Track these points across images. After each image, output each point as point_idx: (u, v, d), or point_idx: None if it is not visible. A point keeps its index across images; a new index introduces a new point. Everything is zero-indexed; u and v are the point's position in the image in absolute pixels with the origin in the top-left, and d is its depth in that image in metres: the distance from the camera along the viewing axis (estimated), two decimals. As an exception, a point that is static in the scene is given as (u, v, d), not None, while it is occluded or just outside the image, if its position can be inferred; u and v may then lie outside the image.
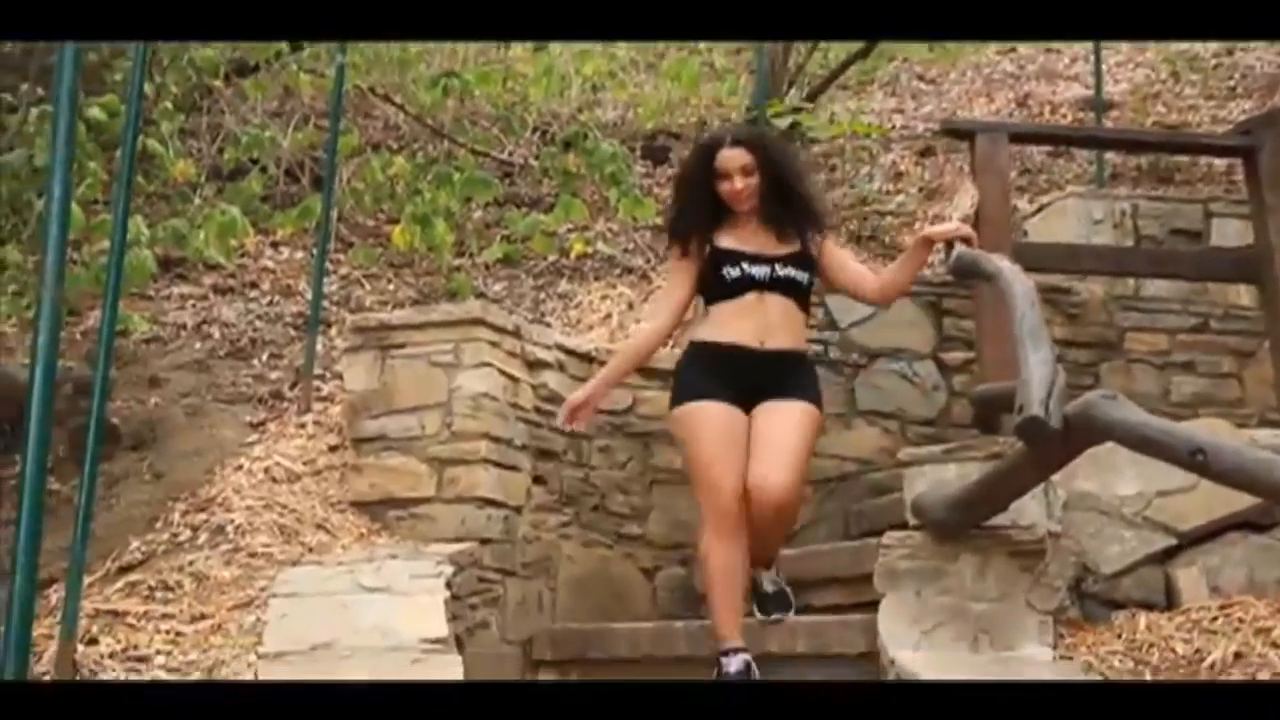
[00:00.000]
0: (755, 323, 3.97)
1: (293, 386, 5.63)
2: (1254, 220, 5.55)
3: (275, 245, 7.06)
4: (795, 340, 4.06)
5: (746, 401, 3.97)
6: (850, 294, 4.27)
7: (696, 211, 4.09)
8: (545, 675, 4.93)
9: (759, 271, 3.99)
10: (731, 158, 4.02)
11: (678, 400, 4.03)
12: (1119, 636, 4.19)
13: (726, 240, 4.07)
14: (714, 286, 4.05)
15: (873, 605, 4.29)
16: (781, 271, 4.01)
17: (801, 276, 4.05)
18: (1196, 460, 2.91)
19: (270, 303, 6.44)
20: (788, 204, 4.06)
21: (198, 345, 5.94)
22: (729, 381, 3.95)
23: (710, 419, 3.92)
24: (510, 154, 8.42)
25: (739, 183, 4.01)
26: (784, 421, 3.93)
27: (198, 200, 6.94)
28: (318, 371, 5.68)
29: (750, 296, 3.99)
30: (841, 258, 4.22)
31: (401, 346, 4.99)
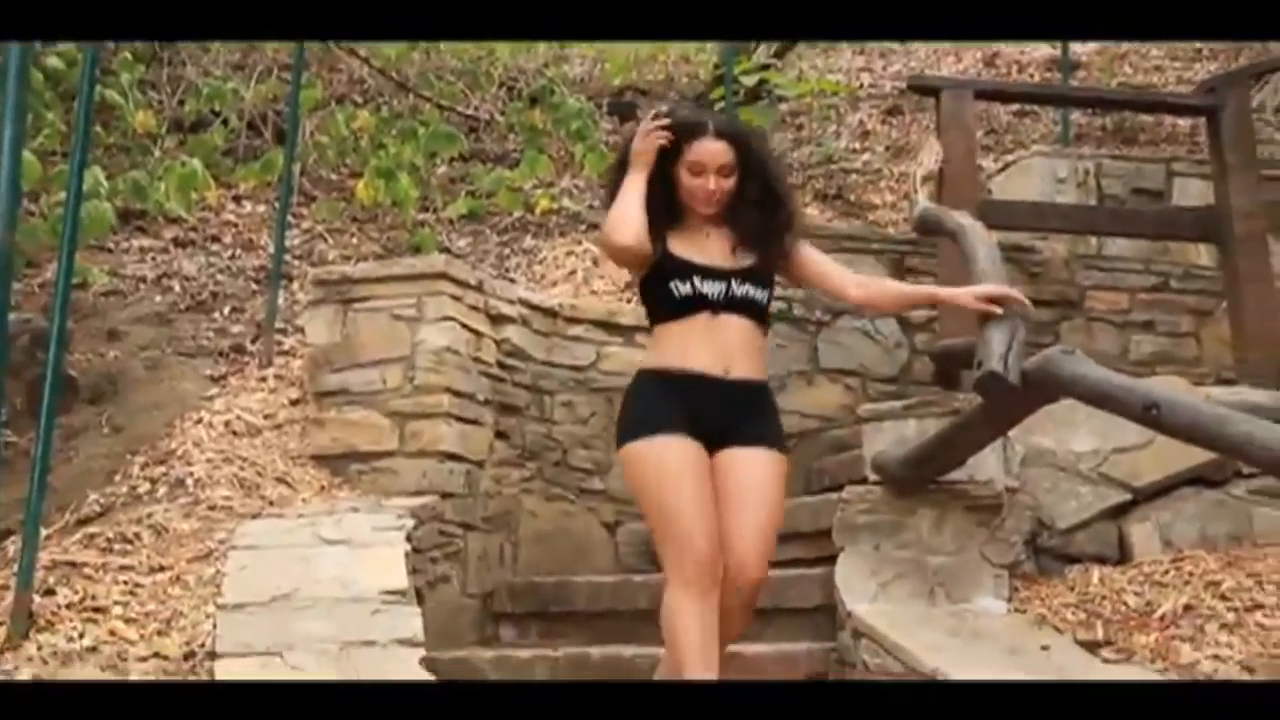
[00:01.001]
0: (714, 348, 3.28)
1: (254, 340, 5.61)
2: (1215, 180, 5.58)
3: (237, 199, 7.00)
4: (758, 368, 3.39)
5: (708, 438, 3.28)
6: (827, 291, 3.62)
7: (656, 200, 3.34)
8: (505, 628, 4.95)
9: (712, 289, 3.30)
10: (713, 152, 3.33)
11: (630, 435, 3.27)
12: (1072, 590, 4.24)
13: (677, 245, 3.36)
14: (659, 301, 3.36)
15: (834, 560, 4.33)
16: (739, 289, 3.33)
17: (760, 295, 3.38)
18: (1151, 415, 2.94)
19: (232, 256, 6.40)
20: (766, 215, 3.39)
21: (158, 298, 5.90)
22: (689, 414, 3.24)
23: (675, 458, 3.21)
24: (476, 109, 8.38)
25: (713, 183, 3.33)
26: (756, 487, 3.28)
27: (158, 152, 6.88)
28: (279, 325, 5.65)
29: (701, 317, 3.29)
30: (815, 255, 3.52)
31: (364, 300, 4.97)
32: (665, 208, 3.35)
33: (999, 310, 3.32)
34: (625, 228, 3.26)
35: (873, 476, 4.36)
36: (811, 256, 3.49)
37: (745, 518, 3.25)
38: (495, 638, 4.96)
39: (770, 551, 3.31)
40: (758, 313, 3.38)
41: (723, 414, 3.27)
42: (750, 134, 3.54)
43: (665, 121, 3.33)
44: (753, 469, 3.28)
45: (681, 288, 3.29)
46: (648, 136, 3.32)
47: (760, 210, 3.38)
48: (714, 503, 3.23)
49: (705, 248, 3.36)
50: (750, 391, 3.34)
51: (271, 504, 4.54)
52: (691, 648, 3.12)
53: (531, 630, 4.95)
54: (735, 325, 3.32)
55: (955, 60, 9.65)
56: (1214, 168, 5.59)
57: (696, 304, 3.29)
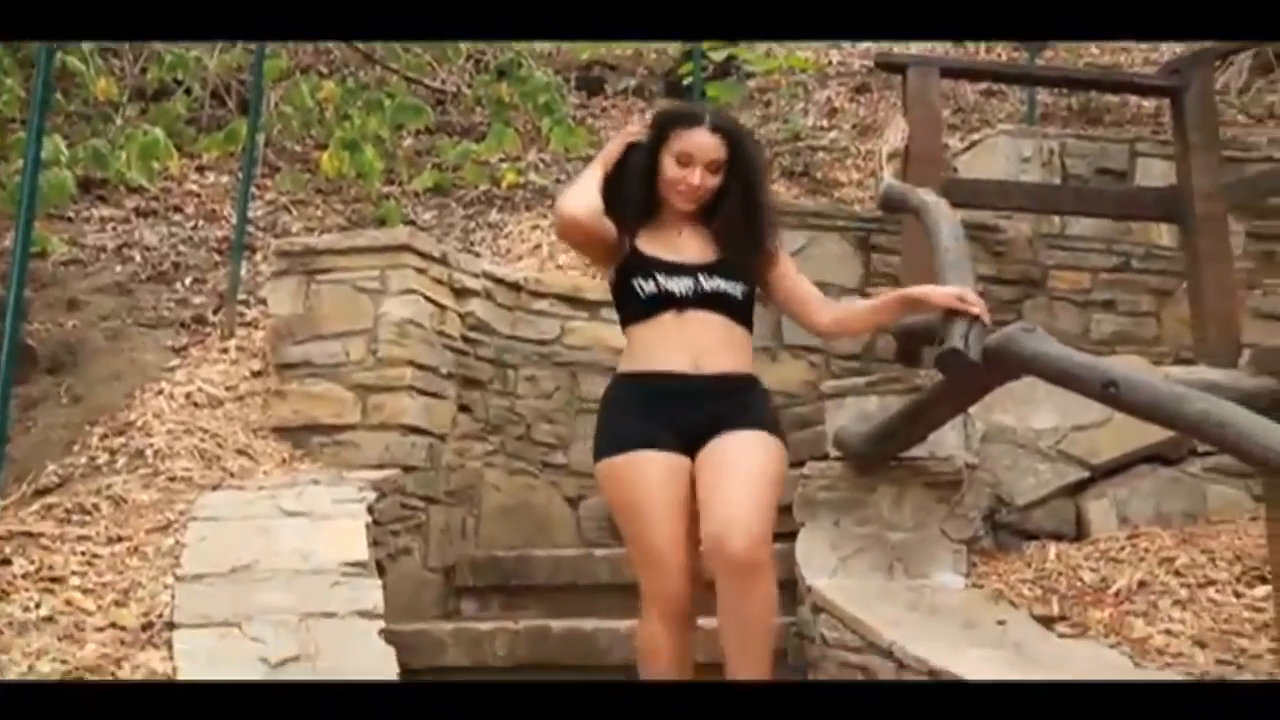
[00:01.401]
0: (682, 345, 3.09)
1: (216, 311, 5.57)
2: (1177, 160, 5.62)
3: (200, 169, 6.94)
4: (739, 362, 3.16)
5: (689, 444, 3.08)
6: (794, 316, 3.38)
7: (631, 187, 3.16)
8: (467, 602, 4.96)
9: (678, 285, 3.11)
10: (705, 146, 3.13)
11: (603, 451, 3.11)
12: (1029, 565, 4.28)
13: (645, 242, 3.18)
14: (626, 301, 3.19)
15: (795, 536, 4.35)
16: (708, 284, 3.13)
17: (733, 287, 3.16)
18: (1110, 393, 2.96)
19: (194, 227, 6.35)
20: (748, 218, 3.20)
21: (118, 268, 5.85)
22: (664, 421, 3.05)
23: (646, 474, 3.01)
24: (443, 82, 8.32)
25: (698, 177, 3.12)
26: (738, 459, 3.03)
27: (119, 120, 6.80)
28: (242, 297, 5.62)
29: (667, 316, 3.11)
30: (790, 273, 3.31)
31: (327, 272, 4.94)
32: (641, 201, 3.15)
33: (972, 309, 3.14)
34: (576, 198, 3.10)
35: (834, 453, 4.38)
36: (786, 274, 3.29)
37: (721, 491, 2.97)
38: (456, 611, 4.96)
39: (758, 525, 2.96)
40: (732, 307, 3.15)
41: (700, 411, 3.06)
42: (743, 132, 3.30)
43: (640, 134, 3.22)
44: (729, 449, 3.04)
45: (646, 286, 3.11)
46: (622, 136, 3.26)
47: (740, 212, 3.17)
48: (690, 526, 3.02)
49: (675, 245, 3.17)
50: (728, 385, 3.11)
51: (232, 476, 4.52)
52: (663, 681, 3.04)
53: (493, 604, 4.96)
54: (705, 321, 3.11)
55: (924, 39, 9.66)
56: (1177, 148, 5.63)
57: (662, 302, 3.10)
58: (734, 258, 3.17)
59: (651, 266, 3.12)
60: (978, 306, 3.12)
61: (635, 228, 3.16)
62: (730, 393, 3.10)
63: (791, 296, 3.29)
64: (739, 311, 3.17)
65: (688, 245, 3.18)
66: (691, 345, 3.09)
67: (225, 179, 6.83)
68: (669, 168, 3.13)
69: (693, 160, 3.11)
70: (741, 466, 3.01)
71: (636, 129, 3.24)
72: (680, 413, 3.05)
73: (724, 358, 3.12)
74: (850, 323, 3.35)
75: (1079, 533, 4.54)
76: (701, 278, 3.12)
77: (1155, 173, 6.32)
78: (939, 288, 3.23)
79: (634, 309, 3.15)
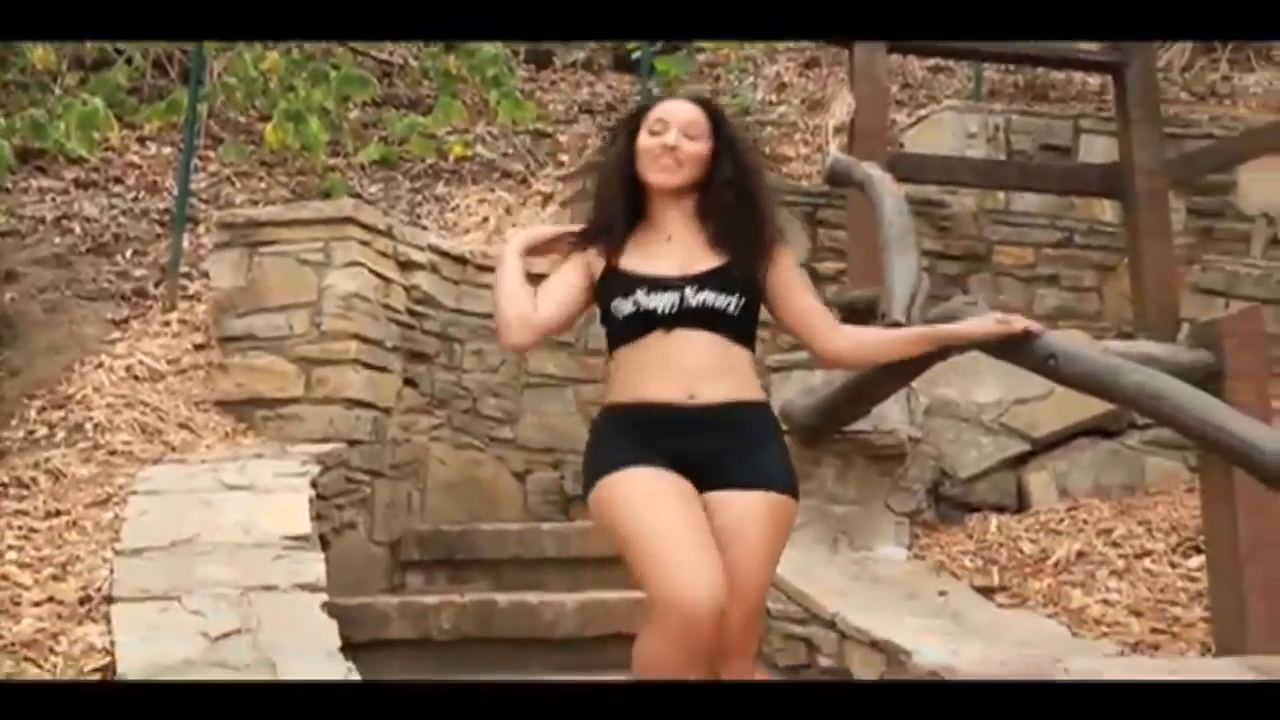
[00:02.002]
0: (673, 372, 2.65)
1: (157, 284, 5.50)
2: (1119, 136, 5.68)
3: (142, 140, 6.83)
4: (740, 387, 2.69)
5: (688, 477, 2.62)
6: (800, 338, 2.86)
7: (615, 198, 2.76)
8: (413, 576, 4.94)
9: (660, 302, 2.67)
10: (678, 109, 2.75)
11: (593, 475, 2.65)
12: (971, 537, 4.34)
13: (627, 257, 2.74)
14: (607, 325, 2.76)
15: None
16: (695, 298, 2.67)
17: (725, 301, 2.69)
18: (1049, 365, 3.00)
19: (135, 198, 6.25)
20: (740, 204, 2.74)
21: (57, 240, 5.75)
22: (659, 452, 2.61)
23: (645, 483, 2.57)
24: (391, 54, 8.23)
25: (673, 136, 2.71)
26: (739, 532, 2.57)
27: (58, 90, 6.69)
28: (185, 270, 5.55)
29: (652, 338, 2.68)
30: (794, 285, 2.80)
31: (270, 244, 4.89)
32: (625, 212, 2.74)
33: (1015, 327, 2.90)
34: (508, 329, 2.69)
35: (780, 426, 4.39)
36: (791, 285, 2.79)
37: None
38: (402, 585, 4.95)
39: (751, 614, 2.57)
40: (726, 323, 2.69)
41: (699, 447, 2.62)
42: (728, 114, 2.88)
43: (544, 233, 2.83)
44: (735, 512, 2.58)
45: (624, 306, 2.68)
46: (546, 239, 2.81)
47: (734, 197, 2.74)
48: (705, 529, 2.53)
49: (660, 255, 2.72)
50: (730, 418, 2.64)
51: (174, 450, 4.48)
52: None
53: (439, 577, 4.95)
54: (696, 341, 2.67)
55: (872, 15, 9.67)
56: (1119, 124, 5.69)
57: (644, 322, 2.68)
58: (732, 262, 2.72)
59: (630, 284, 2.69)
60: (1020, 322, 2.91)
61: (622, 243, 2.74)
62: (733, 426, 2.65)
63: (798, 315, 2.79)
64: (736, 327, 2.71)
65: (675, 253, 2.73)
66: (683, 370, 2.65)
67: (167, 150, 6.73)
68: (644, 142, 2.73)
69: (667, 125, 2.72)
70: (752, 557, 2.56)
71: (543, 230, 2.87)
72: (676, 446, 2.61)
73: (721, 383, 2.66)
74: (868, 351, 2.95)
75: (1020, 505, 4.60)
76: (688, 292, 2.68)
77: (1099, 149, 6.38)
78: (972, 322, 2.93)
79: (616, 332, 2.72)
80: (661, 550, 2.46)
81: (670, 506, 2.53)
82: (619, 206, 2.74)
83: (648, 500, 2.53)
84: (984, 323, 2.91)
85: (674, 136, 2.71)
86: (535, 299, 2.69)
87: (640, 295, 2.67)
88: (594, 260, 2.73)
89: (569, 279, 2.73)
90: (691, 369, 2.64)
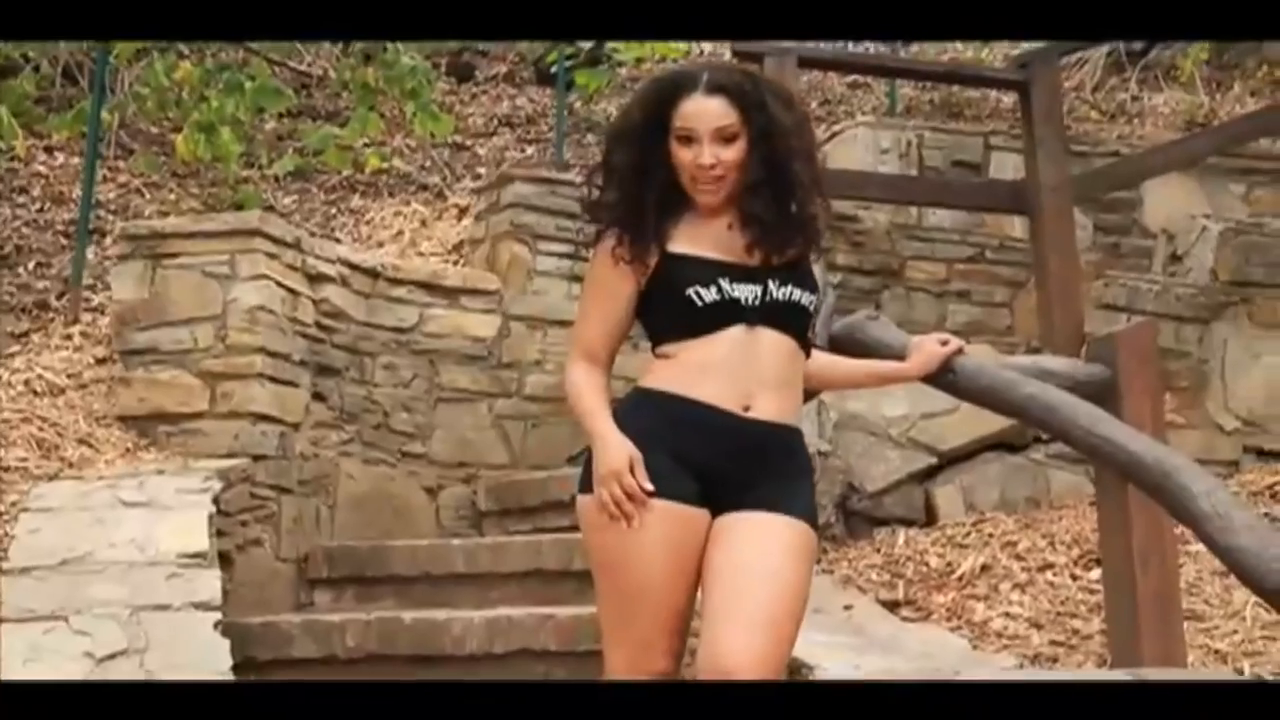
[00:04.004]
0: (739, 375, 2.40)
1: (60, 297, 5.39)
2: (1025, 153, 5.76)
3: (49, 149, 6.71)
4: (791, 406, 2.48)
5: (712, 498, 2.40)
6: None
7: (641, 190, 2.46)
8: (320, 593, 4.87)
9: (746, 292, 2.42)
10: (703, 112, 2.42)
11: (589, 484, 2.41)
12: (878, 551, 4.37)
13: (685, 240, 2.47)
14: (672, 314, 2.45)
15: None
16: (779, 292, 2.43)
17: (808, 299, 2.48)
18: (948, 379, 3.02)
19: (40, 209, 6.14)
20: (778, 199, 2.46)
21: (-44, 251, 5.63)
22: (689, 462, 2.38)
23: (659, 529, 2.35)
24: (309, 65, 8.16)
25: (708, 154, 2.41)
26: (762, 560, 2.34)
27: (-39, 98, 6.54)
28: (90, 282, 5.46)
29: (734, 332, 2.41)
30: None
31: (174, 256, 4.82)
32: (660, 197, 2.46)
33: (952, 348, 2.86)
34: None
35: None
36: None
37: (735, 598, 2.30)
38: (310, 603, 4.87)
39: (771, 647, 2.29)
40: (801, 324, 2.47)
41: (732, 463, 2.39)
42: (761, 84, 2.52)
43: (628, 505, 2.34)
44: (759, 538, 2.36)
45: (705, 293, 2.40)
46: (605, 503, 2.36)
47: (768, 194, 2.44)
48: (694, 588, 2.38)
49: (727, 241, 2.45)
50: (774, 438, 2.43)
51: (71, 466, 4.39)
52: None
53: (347, 595, 4.88)
54: (775, 344, 2.42)
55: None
56: (1025, 141, 5.77)
57: (727, 313, 2.40)
58: (800, 256, 2.48)
59: (710, 270, 2.41)
60: (953, 342, 2.87)
61: (667, 229, 2.46)
62: (780, 451, 2.44)
63: None
64: (806, 330, 2.50)
65: (732, 239, 2.45)
66: (749, 376, 2.40)
67: (76, 160, 6.60)
68: (677, 154, 2.44)
69: (695, 134, 2.42)
70: (758, 573, 2.33)
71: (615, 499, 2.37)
72: (713, 460, 2.39)
73: (781, 400, 2.44)
74: (818, 379, 2.77)
75: (928, 518, 4.64)
76: (772, 285, 2.42)
77: (1009, 166, 6.45)
78: (912, 362, 2.85)
79: (685, 322, 2.42)
80: (632, 616, 2.36)
81: (663, 571, 2.34)
82: (656, 194, 2.46)
83: (645, 551, 2.33)
84: (928, 364, 2.83)
85: (707, 155, 2.41)
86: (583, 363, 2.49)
87: (724, 282, 2.41)
88: (636, 249, 2.44)
89: (617, 292, 2.48)
90: (758, 376, 2.41)
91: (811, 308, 2.48)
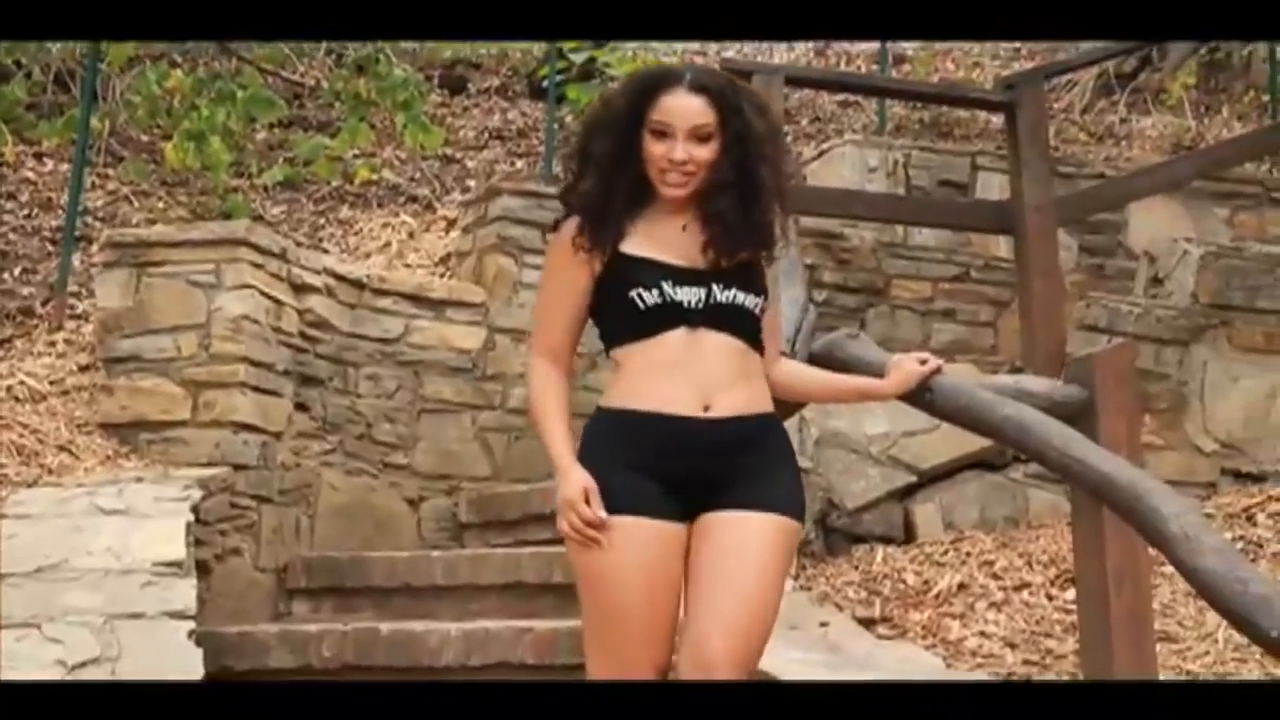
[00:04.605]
0: (692, 377, 2.44)
1: (45, 303, 5.40)
2: (1011, 173, 5.78)
3: (39, 156, 6.72)
4: (755, 400, 2.50)
5: (687, 506, 2.44)
6: None
7: (614, 180, 2.49)
8: (299, 604, 4.87)
9: (689, 295, 2.46)
10: (683, 109, 2.46)
11: None
12: (856, 569, 4.37)
13: (636, 241, 2.51)
14: (617, 316, 2.50)
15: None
16: (723, 294, 2.47)
17: (753, 302, 2.50)
18: (926, 399, 3.03)
19: (28, 215, 6.14)
20: (745, 204, 2.49)
21: (-59, 257, 5.63)
22: (659, 478, 2.42)
23: (629, 547, 2.38)
24: (302, 75, 8.18)
25: (681, 150, 2.45)
26: (740, 553, 2.39)
27: (-50, 104, 6.56)
28: (74, 289, 5.47)
29: (675, 335, 2.45)
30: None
31: (159, 264, 4.83)
32: (629, 190, 2.49)
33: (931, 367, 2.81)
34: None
35: (791, 442, 4.40)
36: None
37: (715, 590, 2.36)
38: (288, 613, 4.87)
39: (750, 640, 2.37)
40: (748, 326, 2.49)
41: (705, 467, 2.42)
42: (740, 91, 2.57)
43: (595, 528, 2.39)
44: (738, 533, 2.40)
45: (647, 296, 2.44)
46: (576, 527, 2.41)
47: (735, 197, 2.48)
48: (675, 604, 2.41)
49: (679, 244, 2.49)
50: (742, 434, 2.45)
51: (51, 472, 4.39)
52: None
53: (326, 605, 4.88)
54: (719, 345, 2.46)
55: (788, 48, 9.78)
56: (1010, 162, 5.79)
57: (669, 316, 2.45)
58: (752, 259, 2.51)
59: (654, 272, 2.46)
60: (932, 361, 2.83)
61: (624, 225, 2.50)
62: (747, 443, 2.46)
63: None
64: (755, 331, 2.52)
65: (687, 240, 2.49)
66: (702, 377, 2.43)
67: (65, 167, 6.60)
68: (648, 145, 2.47)
69: (672, 129, 2.45)
70: (736, 565, 2.38)
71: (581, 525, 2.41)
72: (681, 468, 2.42)
73: (739, 394, 2.46)
74: (795, 389, 2.74)
75: (907, 536, 4.65)
76: (716, 288, 2.46)
77: (995, 186, 6.47)
78: (890, 380, 2.80)
79: (629, 326, 2.47)
80: (610, 632, 2.40)
81: (640, 589, 2.37)
82: (627, 186, 2.50)
83: (619, 571, 2.37)
84: (905, 382, 2.78)
85: (680, 150, 2.45)
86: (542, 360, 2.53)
87: (667, 286, 2.45)
88: (595, 239, 2.48)
89: (575, 283, 2.51)
90: (710, 376, 2.44)
91: (756, 310, 2.50)
